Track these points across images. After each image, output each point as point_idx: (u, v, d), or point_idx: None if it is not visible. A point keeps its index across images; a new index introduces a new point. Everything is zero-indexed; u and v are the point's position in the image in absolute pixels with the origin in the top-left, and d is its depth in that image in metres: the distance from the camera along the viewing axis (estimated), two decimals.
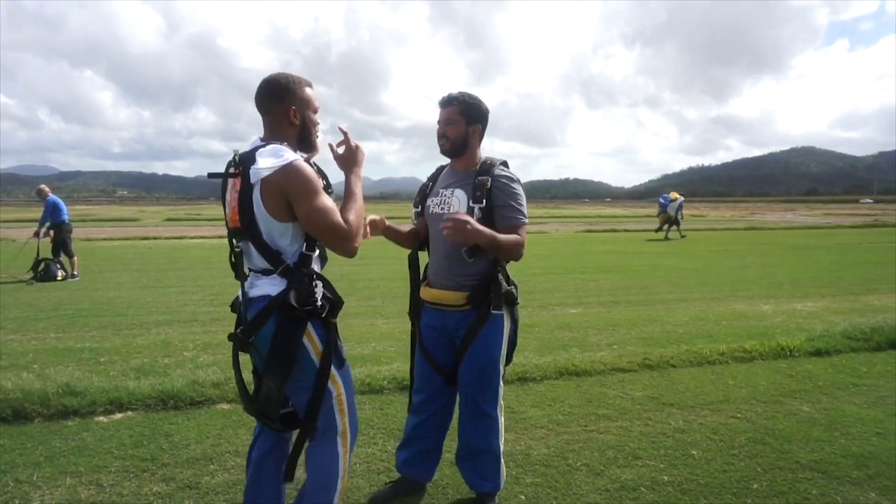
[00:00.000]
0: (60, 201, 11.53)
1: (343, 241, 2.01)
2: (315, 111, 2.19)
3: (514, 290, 2.65)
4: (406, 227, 2.87)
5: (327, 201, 2.03)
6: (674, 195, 22.72)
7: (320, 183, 2.05)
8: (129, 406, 3.91)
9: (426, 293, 2.71)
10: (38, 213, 12.04)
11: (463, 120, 2.59)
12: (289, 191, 1.97)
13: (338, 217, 2.02)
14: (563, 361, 4.93)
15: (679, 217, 22.70)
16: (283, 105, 2.11)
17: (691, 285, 10.35)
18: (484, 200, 2.52)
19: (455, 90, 2.66)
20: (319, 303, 2.07)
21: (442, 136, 2.62)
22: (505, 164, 2.66)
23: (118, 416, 3.83)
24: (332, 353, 2.11)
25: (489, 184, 2.54)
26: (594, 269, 12.96)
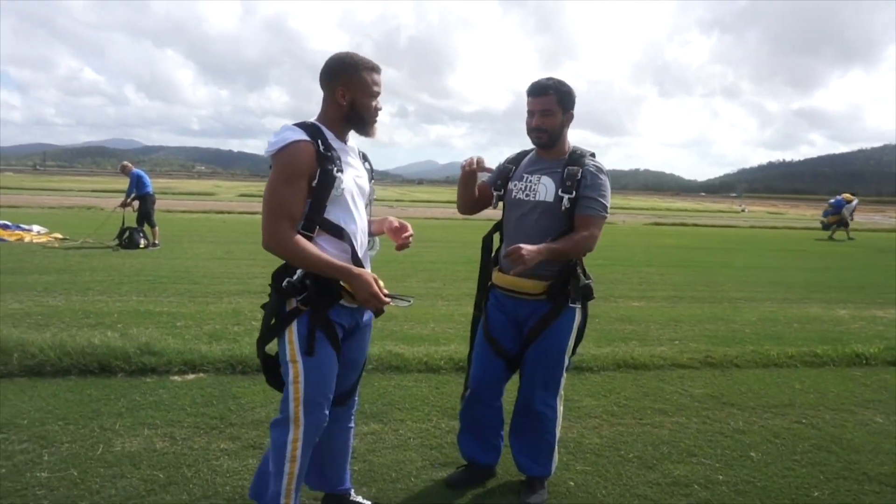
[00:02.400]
0: (144, 174, 12.21)
1: (264, 233, 2.07)
2: (371, 95, 2.18)
3: (591, 285, 2.65)
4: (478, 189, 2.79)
5: (283, 195, 2.04)
6: (848, 196, 21.79)
7: (300, 172, 2.04)
8: (201, 368, 4.16)
9: (501, 279, 2.68)
10: (123, 184, 12.77)
11: (560, 109, 2.54)
12: (272, 168, 2.07)
13: (275, 216, 2.04)
14: (622, 354, 4.87)
15: (850, 219, 21.77)
16: (332, 84, 2.15)
17: (762, 285, 9.93)
18: (574, 191, 2.50)
19: (543, 77, 2.59)
20: (285, 284, 2.12)
21: (538, 129, 2.55)
22: (593, 155, 2.63)
23: (191, 376, 4.08)
24: (301, 338, 2.13)
25: (579, 174, 2.51)
26: (660, 262, 12.62)
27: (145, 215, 11.82)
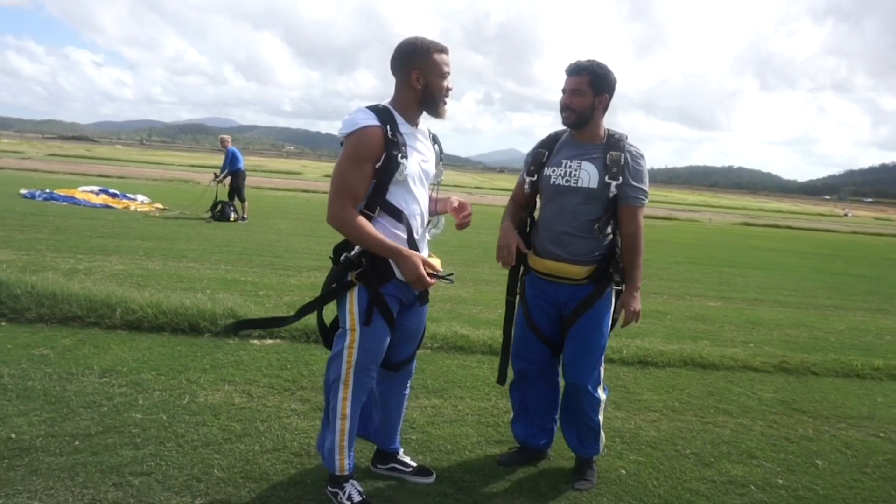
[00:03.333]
0: (238, 151, 12.93)
1: (328, 209, 2.22)
2: (443, 76, 2.27)
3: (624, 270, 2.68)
4: (514, 215, 2.77)
5: (350, 175, 2.18)
6: None
7: (368, 155, 2.17)
8: (279, 335, 4.44)
9: (540, 264, 2.66)
10: (217, 160, 13.55)
11: (591, 91, 2.50)
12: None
13: (340, 195, 2.19)
14: (690, 351, 4.77)
15: None
16: (406, 69, 2.26)
17: (856, 293, 9.34)
18: (620, 177, 2.50)
19: (584, 59, 2.57)
20: (343, 258, 2.29)
21: (566, 108, 2.54)
22: (628, 139, 2.62)
23: (269, 341, 4.37)
24: (360, 310, 2.28)
25: (622, 160, 2.51)
26: (744, 263, 12.09)
27: (236, 190, 12.52)
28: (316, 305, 2.40)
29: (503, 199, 31.15)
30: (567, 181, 2.56)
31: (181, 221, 11.65)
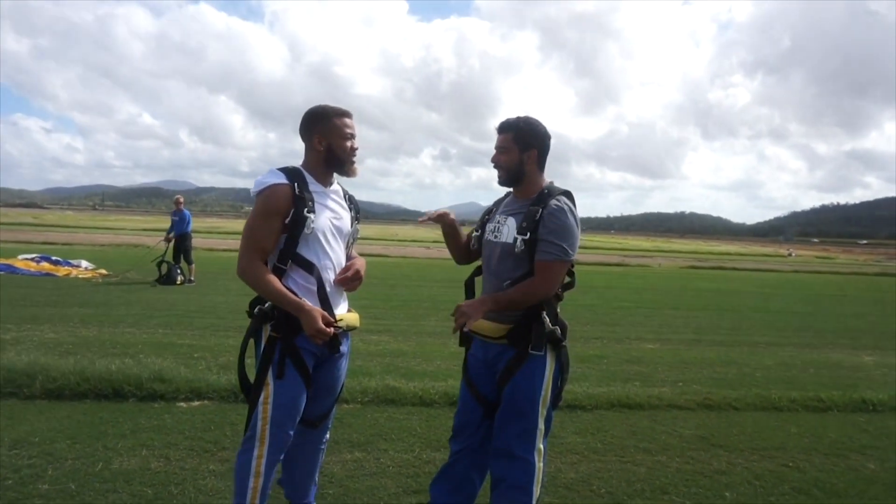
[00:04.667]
0: (189, 213, 12.86)
1: (238, 263, 2.34)
2: (344, 138, 2.43)
3: (558, 331, 2.44)
4: (464, 236, 2.80)
5: (258, 230, 2.32)
6: None
7: (275, 211, 2.30)
8: (207, 395, 4.39)
9: (471, 323, 2.50)
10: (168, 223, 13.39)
11: (516, 147, 2.49)
12: None
13: (248, 249, 2.32)
14: (618, 393, 4.90)
15: None
16: (309, 133, 2.44)
17: (790, 329, 9.73)
18: (528, 233, 2.40)
19: (514, 116, 2.56)
20: (256, 311, 2.37)
21: (496, 165, 2.55)
22: (567, 194, 2.50)
23: (196, 403, 4.32)
24: (270, 362, 2.33)
25: (538, 215, 2.41)
26: (687, 305, 12.48)
27: (183, 252, 12.40)
28: (241, 359, 2.45)
29: None
30: (495, 236, 2.54)
31: (125, 287, 11.43)
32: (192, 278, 12.24)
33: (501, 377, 2.48)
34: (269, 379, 2.35)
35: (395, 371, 5.50)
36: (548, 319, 2.43)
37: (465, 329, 2.47)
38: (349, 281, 2.49)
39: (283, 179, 2.34)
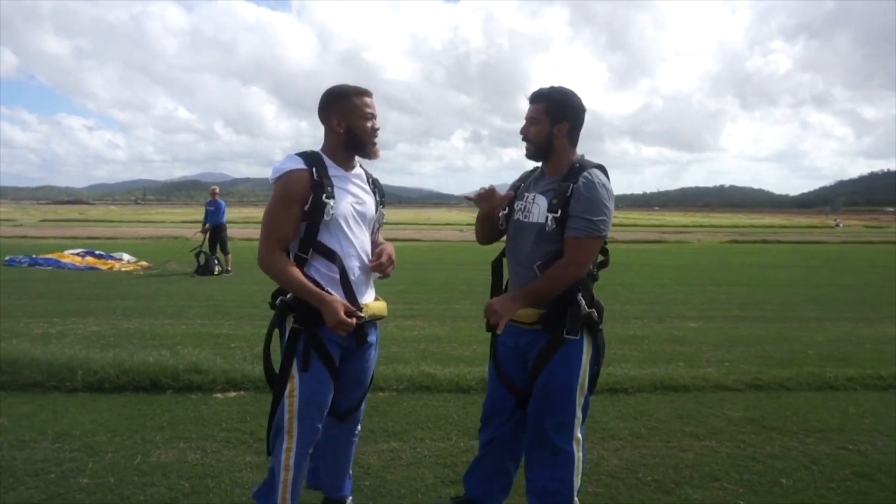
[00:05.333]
0: (223, 204, 13.00)
1: (258, 253, 2.27)
2: (365, 118, 2.31)
3: (594, 314, 2.32)
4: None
5: (277, 218, 2.23)
6: None
7: (294, 198, 2.22)
8: (243, 386, 4.39)
9: None
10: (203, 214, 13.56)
11: (547, 119, 2.34)
12: None
13: (268, 238, 2.24)
14: (661, 375, 4.72)
15: None
16: (328, 115, 2.33)
17: (841, 303, 9.31)
18: (559, 210, 2.26)
19: (549, 85, 2.39)
20: (279, 301, 2.30)
21: (524, 138, 2.41)
22: (600, 168, 2.35)
23: (232, 394, 4.32)
24: (294, 355, 2.26)
25: (569, 191, 2.26)
26: (730, 281, 12.08)
27: (220, 243, 12.57)
28: (267, 351, 2.39)
29: None
30: (525, 216, 2.40)
31: (164, 278, 11.66)
32: (230, 268, 12.40)
33: (535, 365, 2.36)
34: (294, 371, 2.28)
35: (431, 357, 5.42)
36: (584, 301, 2.29)
37: (499, 332, 2.34)
38: (384, 266, 2.39)
39: (300, 165, 2.25)
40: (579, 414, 2.37)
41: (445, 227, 43.96)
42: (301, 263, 2.28)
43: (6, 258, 13.65)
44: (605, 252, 2.41)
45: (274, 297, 2.36)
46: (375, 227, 2.53)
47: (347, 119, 2.31)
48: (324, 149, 2.36)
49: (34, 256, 13.80)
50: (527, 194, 2.45)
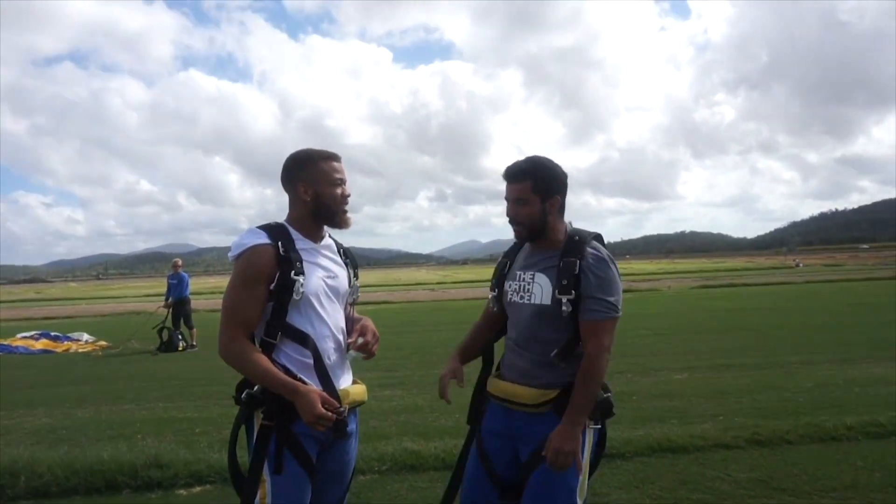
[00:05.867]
0: (187, 276, 12.56)
1: (218, 341, 2.00)
2: (333, 184, 2.11)
3: (611, 398, 2.11)
4: (471, 336, 2.41)
5: (239, 301, 1.98)
6: None
7: (257, 277, 1.97)
8: (208, 479, 3.98)
9: (495, 387, 2.24)
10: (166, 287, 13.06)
11: (537, 197, 2.13)
12: None
13: (230, 324, 1.98)
14: (658, 436, 4.47)
15: None
16: (293, 182, 2.10)
17: (819, 345, 9.29)
18: (573, 291, 2.04)
19: (523, 158, 2.20)
20: (244, 395, 2.00)
21: (513, 221, 2.18)
22: (598, 238, 2.17)
23: (197, 489, 3.91)
24: (265, 455, 1.95)
25: (577, 268, 2.05)
26: (706, 328, 12.06)
27: (184, 317, 12.06)
28: (233, 454, 2.07)
29: (466, 293, 30.90)
30: (521, 297, 2.18)
31: (125, 358, 11.06)
32: (195, 343, 11.86)
33: (535, 457, 2.07)
34: (266, 475, 1.96)
35: (412, 430, 5.08)
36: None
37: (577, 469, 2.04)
38: (369, 345, 2.13)
39: (263, 239, 2.00)
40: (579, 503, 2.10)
41: (416, 286, 43.74)
42: (268, 350, 2.01)
43: None
44: None
45: (238, 389, 2.06)
46: (350, 301, 2.29)
47: (315, 186, 2.10)
48: (289, 219, 2.13)
49: None
50: (519, 272, 2.23)
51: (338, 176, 2.15)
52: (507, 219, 2.22)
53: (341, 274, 2.20)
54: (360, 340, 2.12)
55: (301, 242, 2.09)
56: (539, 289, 2.13)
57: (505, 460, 2.18)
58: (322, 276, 2.12)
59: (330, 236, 2.25)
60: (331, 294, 2.14)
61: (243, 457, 2.04)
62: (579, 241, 2.11)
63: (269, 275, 1.99)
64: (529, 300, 2.15)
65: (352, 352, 2.21)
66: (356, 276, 2.28)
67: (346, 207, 2.17)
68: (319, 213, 2.13)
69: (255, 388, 2.01)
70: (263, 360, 1.97)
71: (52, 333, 14.13)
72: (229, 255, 2.05)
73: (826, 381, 6.50)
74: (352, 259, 2.29)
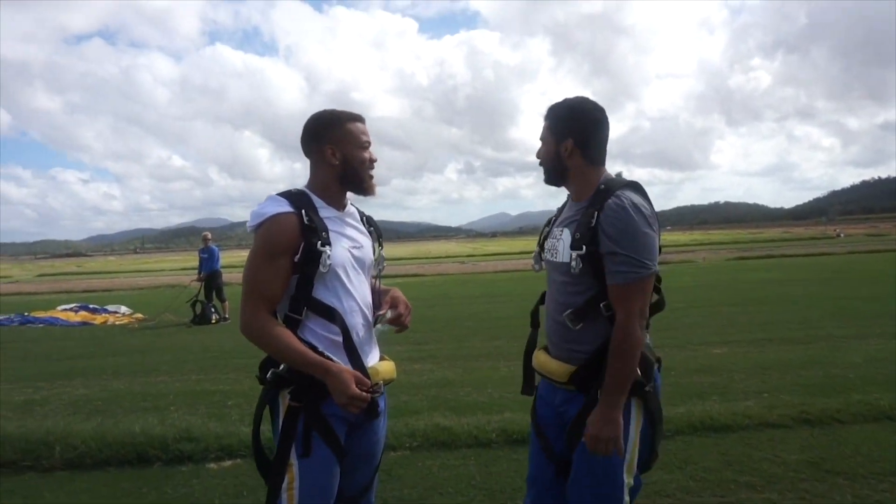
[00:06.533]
0: (217, 250, 12.66)
1: (240, 318, 1.87)
2: (362, 146, 1.97)
3: (637, 372, 1.85)
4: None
5: (261, 275, 1.84)
6: None
7: (281, 248, 1.83)
8: (239, 453, 3.95)
9: (535, 358, 2.11)
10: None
11: (552, 137, 1.99)
12: None
13: (252, 300, 1.85)
14: (699, 413, 4.28)
15: None
16: (319, 145, 1.95)
17: (867, 318, 8.88)
18: (584, 245, 1.83)
19: (565, 98, 2.03)
20: (269, 375, 1.88)
21: (540, 162, 2.07)
22: (633, 185, 1.92)
23: (227, 462, 3.88)
24: (293, 439, 1.84)
25: (594, 220, 1.83)
26: (745, 300, 11.69)
27: (216, 290, 12.17)
28: (257, 436, 1.96)
29: (496, 265, 30.85)
30: (553, 255, 2.02)
31: (160, 330, 11.23)
32: (227, 315, 11.98)
33: (571, 433, 1.92)
34: (293, 458, 1.86)
35: (444, 405, 4.98)
36: None
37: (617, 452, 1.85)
38: (402, 317, 2.01)
39: (285, 207, 1.86)
40: (626, 499, 1.90)
41: (446, 259, 43.69)
42: (293, 326, 1.88)
43: None
44: (657, 290, 2.01)
45: (262, 368, 1.94)
46: (375, 272, 2.15)
47: (342, 148, 1.95)
48: (310, 186, 1.99)
49: (25, 314, 13.39)
50: (555, 229, 2.07)
51: (365, 138, 2.00)
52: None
53: (366, 244, 2.06)
54: (391, 314, 2.00)
55: (325, 210, 1.95)
56: (562, 244, 1.95)
57: (557, 434, 2.03)
58: (348, 246, 1.98)
59: (352, 204, 2.10)
60: (357, 265, 2.01)
61: (269, 438, 1.94)
62: (605, 191, 1.88)
63: (292, 246, 1.86)
64: (555, 257, 1.99)
65: (380, 325, 2.08)
66: (381, 245, 2.14)
67: (373, 173, 2.03)
68: (346, 177, 1.98)
69: (281, 367, 1.89)
70: (291, 337, 1.85)
71: (91, 306, 14.47)
72: (248, 224, 1.91)
73: (877, 356, 6.18)
74: (376, 228, 2.14)
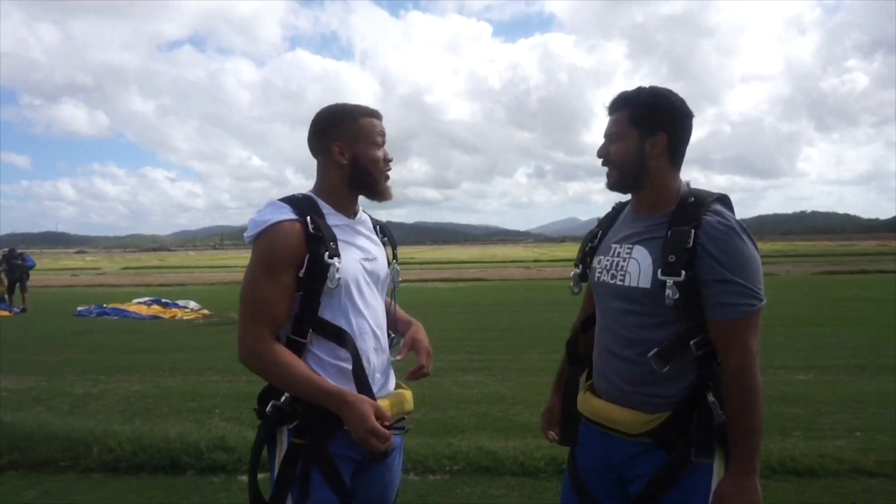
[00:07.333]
0: None
1: (238, 342, 1.63)
2: (376, 144, 1.72)
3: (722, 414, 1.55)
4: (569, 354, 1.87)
5: (262, 292, 1.59)
6: None
7: (283, 261, 1.59)
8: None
9: (584, 403, 1.74)
10: None
11: (634, 131, 1.62)
12: None
13: (252, 321, 1.60)
14: (779, 452, 3.77)
15: None
16: (326, 143, 1.70)
17: None
18: (683, 271, 1.50)
19: (636, 87, 1.68)
20: (269, 409, 1.63)
21: (604, 161, 1.69)
22: (723, 200, 1.61)
23: (261, 475, 3.72)
24: (292, 481, 1.60)
25: (692, 239, 1.50)
26: (835, 320, 10.73)
27: None
28: (254, 477, 1.74)
29: (562, 272, 30.13)
30: (613, 277, 1.65)
31: (222, 327, 11.44)
32: None
33: (644, 496, 1.56)
34: (289, 502, 1.62)
35: (492, 425, 4.67)
36: (717, 403, 1.52)
37: None
38: (423, 368, 1.77)
39: (288, 214, 1.61)
40: None
41: (511, 264, 43.18)
42: (297, 350, 1.63)
43: (78, 308, 13.96)
44: None
45: (261, 400, 1.69)
46: (390, 288, 1.88)
47: (353, 147, 1.69)
48: (316, 190, 1.74)
49: (103, 306, 14.05)
50: (615, 245, 1.70)
51: (380, 136, 1.73)
52: (600, 162, 1.70)
53: (380, 255, 1.79)
54: (404, 355, 1.73)
55: (333, 217, 1.69)
56: (636, 266, 1.59)
57: (607, 492, 1.68)
58: (359, 257, 1.71)
59: (364, 210, 1.84)
60: (370, 280, 1.74)
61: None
62: (695, 204, 1.55)
63: (296, 258, 1.61)
64: (623, 281, 1.61)
65: (390, 350, 1.83)
66: (395, 256, 1.87)
67: (388, 174, 1.76)
68: (357, 179, 1.72)
69: (283, 398, 1.65)
70: (300, 363, 1.60)
71: (163, 300, 15.03)
72: (246, 234, 1.67)
73: None
74: (390, 237, 1.87)
